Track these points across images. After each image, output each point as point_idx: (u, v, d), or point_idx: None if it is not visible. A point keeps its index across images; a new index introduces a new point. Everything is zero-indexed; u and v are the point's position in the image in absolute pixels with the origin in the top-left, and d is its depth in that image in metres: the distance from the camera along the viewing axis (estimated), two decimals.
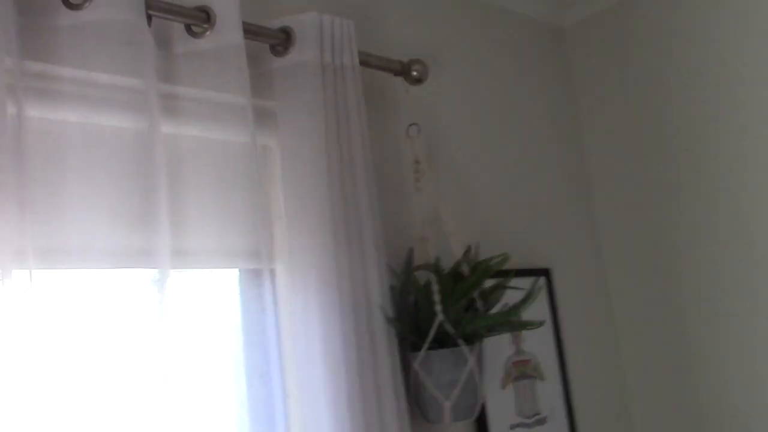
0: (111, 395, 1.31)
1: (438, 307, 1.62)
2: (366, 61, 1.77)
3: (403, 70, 1.89)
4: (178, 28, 1.49)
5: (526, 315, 1.78)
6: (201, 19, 1.48)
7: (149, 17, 1.40)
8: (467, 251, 1.81)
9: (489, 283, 1.75)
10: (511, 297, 1.79)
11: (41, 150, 1.27)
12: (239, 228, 1.48)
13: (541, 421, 2.07)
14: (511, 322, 1.74)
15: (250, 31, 1.56)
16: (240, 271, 1.58)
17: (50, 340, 1.19)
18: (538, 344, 2.12)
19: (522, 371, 2.05)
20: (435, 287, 1.64)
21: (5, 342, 1.08)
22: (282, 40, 1.62)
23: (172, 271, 1.32)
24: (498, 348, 1.99)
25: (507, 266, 1.78)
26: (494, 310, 1.75)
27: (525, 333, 2.06)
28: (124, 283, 1.33)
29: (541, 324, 1.80)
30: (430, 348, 1.63)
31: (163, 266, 1.30)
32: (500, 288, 1.75)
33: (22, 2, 1.29)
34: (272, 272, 1.51)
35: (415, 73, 1.89)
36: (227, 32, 1.50)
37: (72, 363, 1.27)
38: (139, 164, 1.34)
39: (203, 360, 1.45)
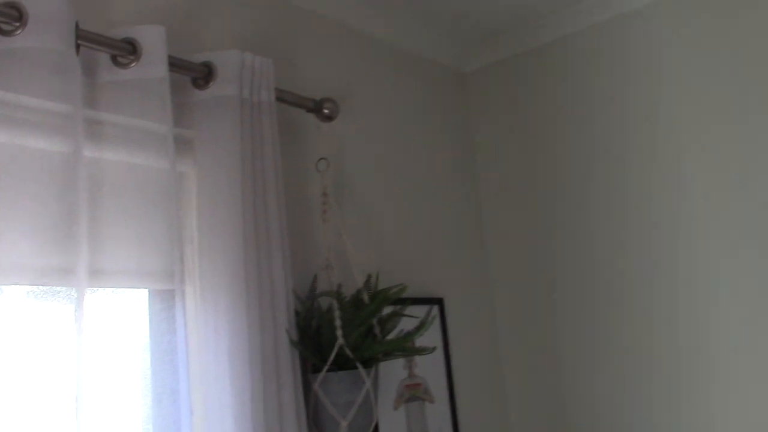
0: (25, 409, 1.34)
1: (339, 332, 1.74)
2: (281, 98, 1.89)
3: (315, 108, 2.01)
4: (104, 57, 1.56)
5: (420, 341, 1.92)
6: (128, 51, 1.56)
7: (78, 46, 1.47)
8: (368, 280, 1.93)
9: (387, 310, 1.89)
10: (406, 324, 1.94)
11: None
12: (154, 250, 1.55)
13: None
14: (406, 348, 1.87)
15: (174, 64, 1.64)
16: (151, 291, 1.64)
17: None
18: (429, 369, 2.27)
19: (413, 394, 2.19)
20: (337, 313, 1.76)
21: None
22: (204, 74, 1.71)
23: (89, 289, 1.39)
24: (392, 371, 2.12)
25: (404, 295, 1.92)
26: (391, 336, 1.89)
27: (417, 358, 2.21)
28: (44, 299, 1.38)
29: (432, 350, 1.94)
30: (330, 370, 1.74)
31: (80, 285, 1.36)
32: (397, 315, 1.89)
33: None
34: (183, 293, 1.58)
35: (326, 111, 2.02)
36: (152, 65, 1.58)
37: None
38: (63, 186, 1.39)
39: (115, 376, 1.51)
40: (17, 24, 1.38)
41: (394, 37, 2.51)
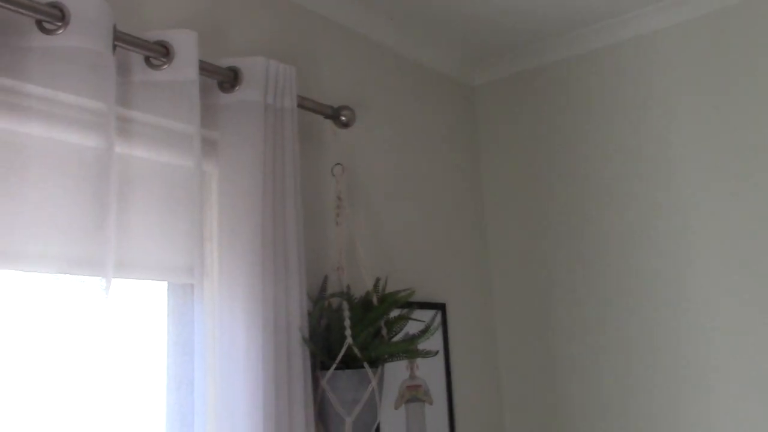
0: (46, 394, 1.40)
1: (348, 332, 1.80)
2: (301, 104, 1.95)
3: (333, 115, 2.08)
4: (138, 58, 1.62)
5: (422, 344, 1.99)
6: (161, 53, 1.63)
7: (114, 47, 1.54)
8: (377, 283, 2.00)
9: (394, 313, 1.96)
10: (411, 326, 2.01)
11: (5, 159, 1.37)
12: (176, 245, 1.62)
13: None
14: (412, 351, 1.94)
15: (203, 68, 1.70)
16: (171, 284, 1.71)
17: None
18: (430, 371, 2.34)
19: (414, 395, 2.26)
20: (346, 313, 1.83)
21: None
22: (230, 79, 1.78)
23: (115, 280, 1.45)
24: (394, 372, 2.19)
25: (410, 299, 1.99)
26: (397, 338, 1.95)
27: (419, 360, 2.27)
28: (74, 288, 1.44)
29: (436, 353, 2.01)
30: (337, 368, 1.80)
31: (107, 275, 1.42)
32: (404, 319, 1.96)
33: (2, 22, 1.40)
34: (201, 288, 1.65)
35: (343, 118, 2.09)
36: (183, 67, 1.64)
37: (19, 361, 1.37)
38: (94, 180, 1.46)
39: (135, 364, 1.57)
40: (59, 23, 1.44)
41: (408, 50, 2.59)
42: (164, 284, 1.71)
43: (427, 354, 1.95)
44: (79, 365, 1.39)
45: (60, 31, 1.45)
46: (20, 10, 1.39)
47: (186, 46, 1.65)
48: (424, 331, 1.92)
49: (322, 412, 1.83)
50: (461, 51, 2.76)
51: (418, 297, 2.21)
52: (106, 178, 1.46)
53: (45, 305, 1.40)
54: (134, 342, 1.59)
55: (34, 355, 1.39)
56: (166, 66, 1.63)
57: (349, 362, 1.82)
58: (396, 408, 2.20)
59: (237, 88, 1.78)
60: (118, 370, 1.41)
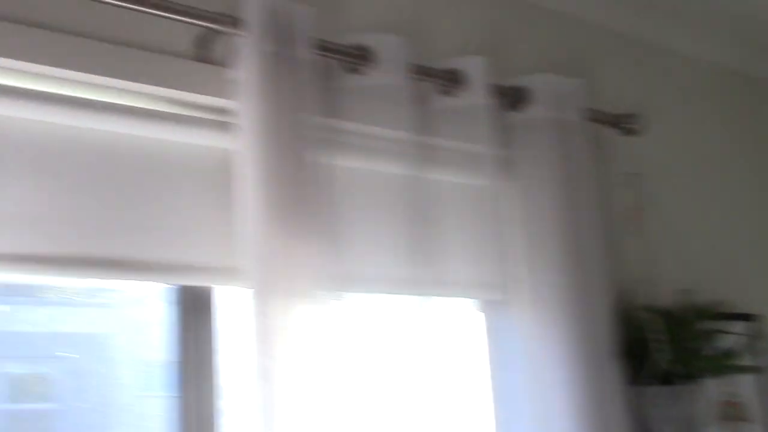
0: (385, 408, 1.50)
1: (661, 346, 1.72)
2: (588, 116, 1.92)
3: (620, 123, 2.01)
4: (431, 87, 1.70)
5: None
6: (453, 81, 1.70)
7: (410, 79, 1.63)
8: (683, 294, 1.89)
9: (706, 325, 1.83)
10: (722, 340, 1.87)
11: (334, 192, 1.49)
12: (483, 262, 1.69)
13: None
14: (734, 367, 1.80)
15: (493, 91, 1.73)
16: (484, 301, 1.77)
17: (346, 349, 1.40)
18: (746, 388, 2.15)
19: (731, 413, 2.09)
20: (658, 327, 1.74)
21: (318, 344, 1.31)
22: (520, 98, 1.80)
23: (433, 298, 1.52)
24: (709, 388, 2.04)
25: (719, 311, 1.85)
26: (710, 352, 1.83)
27: (735, 376, 2.10)
28: (399, 307, 1.54)
29: (761, 370, 1.84)
30: (651, 384, 1.73)
31: (426, 293, 1.51)
32: (718, 332, 1.83)
33: (321, 68, 1.54)
34: (511, 304, 1.68)
35: (631, 126, 2.01)
36: (475, 92, 1.70)
37: (359, 370, 1.47)
38: (407, 205, 1.56)
39: (457, 378, 1.64)
40: (366, 64, 1.56)
41: (692, 48, 2.45)
42: (473, 301, 1.78)
43: (754, 370, 1.80)
44: (407, 381, 1.47)
45: (367, 71, 1.57)
46: (337, 56, 1.54)
47: (476, 71, 1.70)
48: (752, 345, 1.77)
49: (637, 428, 1.76)
50: (749, 44, 2.55)
51: (729, 308, 2.05)
52: (417, 202, 1.55)
53: (379, 322, 1.52)
54: (455, 357, 1.65)
55: (367, 369, 1.50)
56: (459, 93, 1.70)
57: (666, 378, 1.73)
58: (713, 427, 2.04)
59: (527, 106, 1.80)
60: (444, 385, 1.46)
